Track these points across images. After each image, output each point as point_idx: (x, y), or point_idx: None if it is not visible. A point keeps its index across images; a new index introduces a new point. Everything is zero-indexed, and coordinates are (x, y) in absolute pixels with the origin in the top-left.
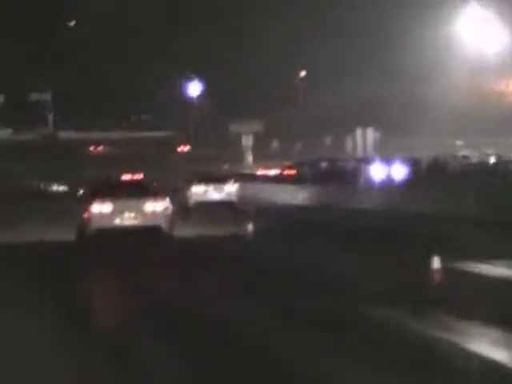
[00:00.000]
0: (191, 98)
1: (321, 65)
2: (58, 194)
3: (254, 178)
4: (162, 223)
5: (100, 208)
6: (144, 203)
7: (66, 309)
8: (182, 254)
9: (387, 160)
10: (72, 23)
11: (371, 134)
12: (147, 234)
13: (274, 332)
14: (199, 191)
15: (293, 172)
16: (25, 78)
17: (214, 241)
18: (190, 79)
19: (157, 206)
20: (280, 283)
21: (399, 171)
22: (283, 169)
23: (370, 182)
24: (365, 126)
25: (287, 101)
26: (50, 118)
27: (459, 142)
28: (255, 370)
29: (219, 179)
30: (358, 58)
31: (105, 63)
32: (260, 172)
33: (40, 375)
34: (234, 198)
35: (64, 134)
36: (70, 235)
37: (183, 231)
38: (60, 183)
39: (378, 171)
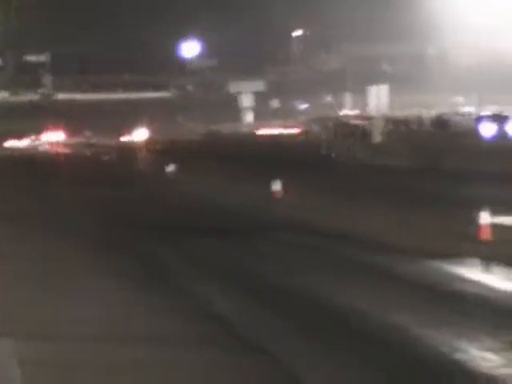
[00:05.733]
0: (188, 59)
1: (326, 24)
2: None
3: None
4: None
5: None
6: None
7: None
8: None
9: None
10: None
11: (385, 92)
12: None
13: None
14: None
15: (298, 131)
16: (22, 40)
17: None
18: (186, 39)
19: None
20: None
21: None
22: (286, 127)
23: None
24: (368, 84)
25: (288, 59)
26: (48, 79)
27: (461, 99)
28: None
29: None
30: (364, 17)
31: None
32: (260, 131)
33: None
34: None
35: (61, 96)
36: None
37: None
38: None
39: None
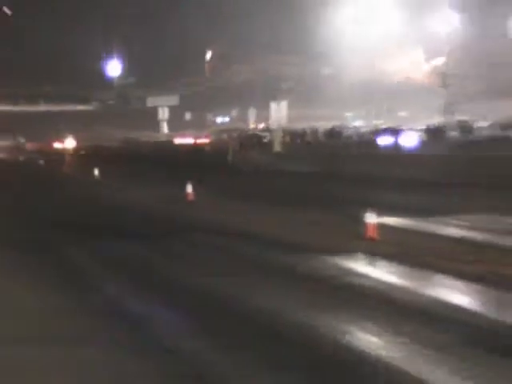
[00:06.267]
0: (112, 77)
1: (234, 41)
2: None
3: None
4: None
5: None
6: None
7: None
8: None
9: None
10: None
11: (285, 107)
12: None
13: None
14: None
15: (207, 140)
16: None
17: None
18: (110, 58)
19: None
20: None
21: None
22: (197, 137)
23: None
24: (270, 100)
25: (200, 75)
26: None
27: (350, 114)
28: None
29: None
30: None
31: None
32: (177, 140)
33: None
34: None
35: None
36: None
37: None
38: None
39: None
